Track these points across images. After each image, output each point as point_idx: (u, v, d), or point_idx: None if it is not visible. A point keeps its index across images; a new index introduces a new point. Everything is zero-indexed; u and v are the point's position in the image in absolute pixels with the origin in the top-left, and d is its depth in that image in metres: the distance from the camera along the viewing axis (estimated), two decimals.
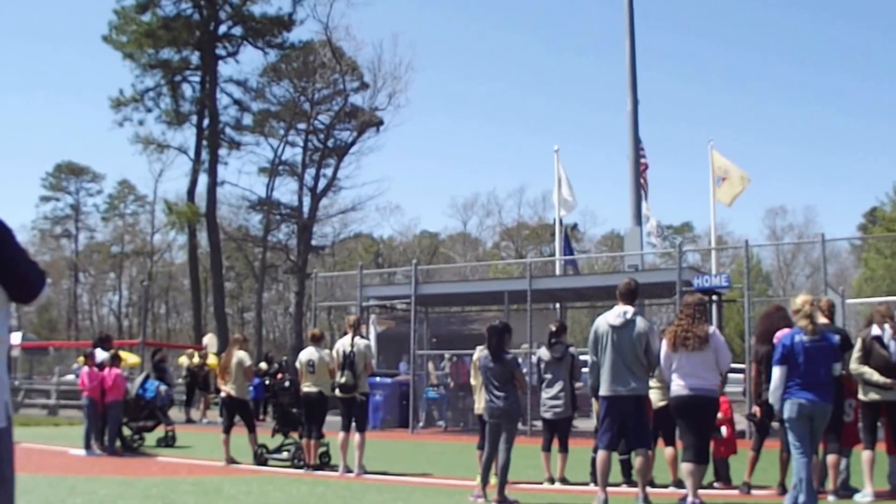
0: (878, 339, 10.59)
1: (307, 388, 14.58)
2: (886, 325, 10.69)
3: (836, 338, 10.44)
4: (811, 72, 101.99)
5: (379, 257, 70.98)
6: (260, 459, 15.60)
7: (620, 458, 11.86)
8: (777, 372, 9.34)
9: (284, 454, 15.55)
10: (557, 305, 26.81)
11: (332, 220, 57.38)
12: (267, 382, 23.91)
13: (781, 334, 9.75)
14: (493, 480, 11.03)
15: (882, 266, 48.46)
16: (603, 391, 10.22)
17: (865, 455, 10.61)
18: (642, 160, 28.11)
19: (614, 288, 23.39)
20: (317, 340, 14.98)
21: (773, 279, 68.42)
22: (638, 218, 26.33)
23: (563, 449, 12.78)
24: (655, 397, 11.46)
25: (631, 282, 10.76)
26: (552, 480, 12.72)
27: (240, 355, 15.75)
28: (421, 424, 24.17)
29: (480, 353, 11.79)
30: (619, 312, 10.33)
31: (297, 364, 15.05)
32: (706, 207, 30.46)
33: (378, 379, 24.75)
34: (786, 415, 9.34)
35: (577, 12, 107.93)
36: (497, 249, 74.83)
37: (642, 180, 28.02)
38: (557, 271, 30.34)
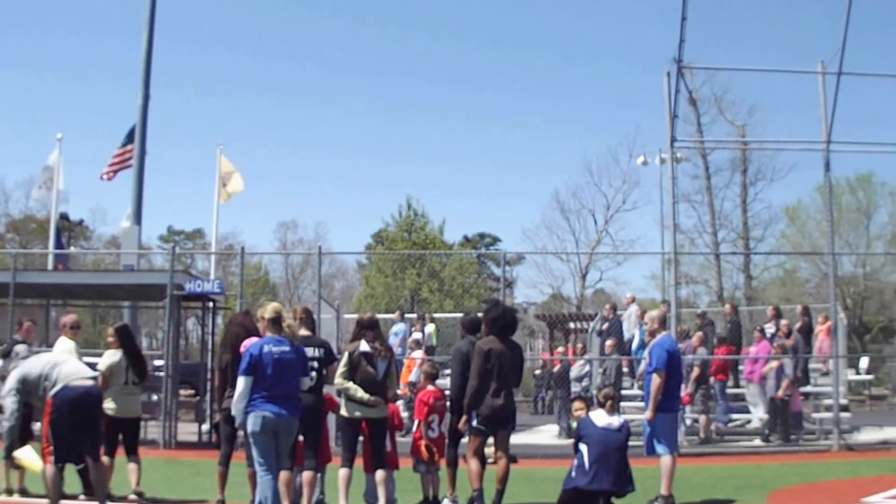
0: (367, 354, 10.38)
1: None
2: (373, 342, 10.49)
3: (317, 350, 10.17)
4: (325, 90, 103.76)
5: None
6: None
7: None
8: (242, 382, 8.89)
9: None
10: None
11: None
12: None
13: (249, 342, 9.25)
14: None
15: (382, 284, 50.20)
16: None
17: (342, 472, 10.38)
18: (120, 163, 27.20)
19: (108, 287, 22.41)
20: None
21: (282, 291, 69.04)
22: (138, 216, 25.19)
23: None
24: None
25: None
26: (10, 492, 11.54)
27: None
28: None
29: None
30: None
31: None
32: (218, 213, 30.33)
33: None
34: (249, 428, 8.93)
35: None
36: (3, 241, 69.95)
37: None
38: (51, 266, 28.51)
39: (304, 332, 10.19)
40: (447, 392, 11.79)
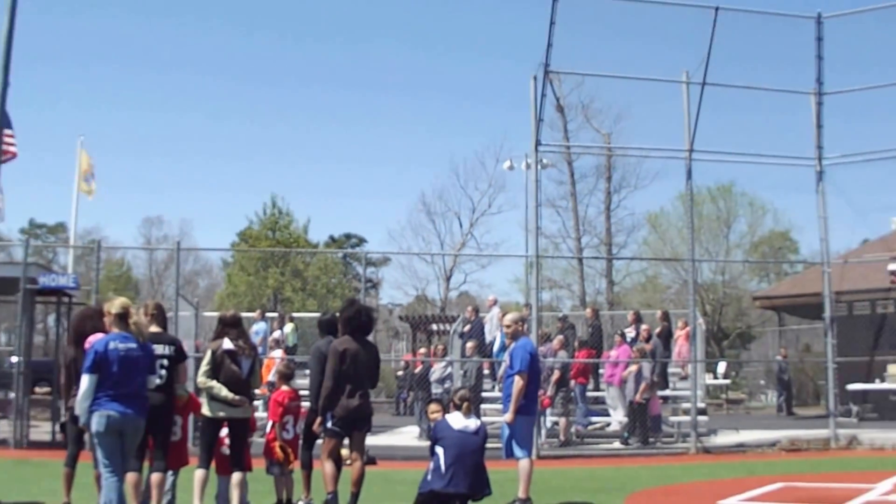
0: (231, 353, 10.09)
1: None
2: (237, 340, 10.22)
3: (167, 348, 9.80)
4: (191, 84, 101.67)
5: None
6: None
7: None
8: (86, 380, 8.46)
9: None
10: None
11: None
12: None
13: (94, 339, 8.86)
14: None
15: (245, 283, 49.75)
16: None
17: (199, 474, 10.05)
18: (12, 148, 26.18)
19: None
20: None
21: (145, 288, 67.82)
22: None
23: None
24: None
25: None
26: None
27: None
28: None
29: None
30: None
31: None
32: (80, 207, 29.63)
33: None
34: (94, 428, 8.51)
35: None
36: None
37: None
38: None
39: (154, 328, 9.80)
40: (302, 392, 11.57)
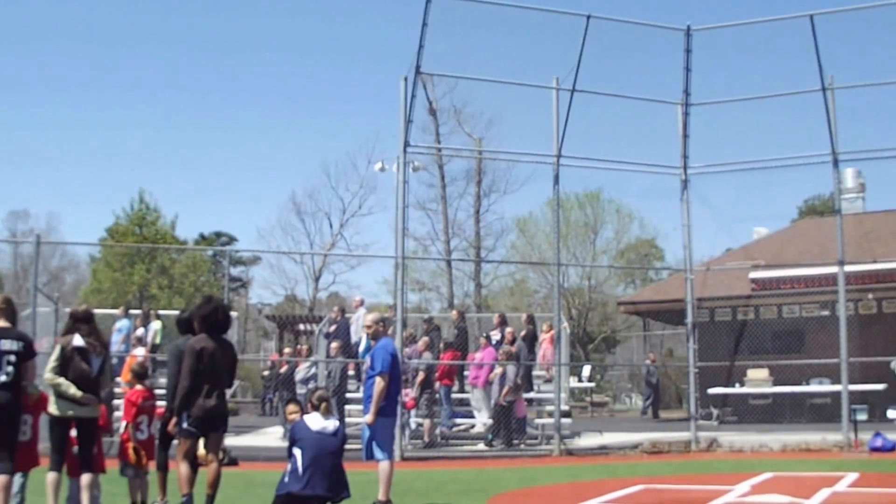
0: (81, 349, 9.66)
1: None
2: (88, 337, 9.82)
3: (15, 343, 9.37)
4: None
5: None
6: None
7: None
8: None
9: None
10: None
11: None
12: None
13: None
14: None
15: (110, 279, 48.80)
16: None
17: (51, 477, 9.62)
18: None
19: None
20: None
21: (9, 283, 66.06)
22: None
23: None
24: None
25: None
26: None
27: None
28: None
29: None
30: None
31: None
32: None
33: None
34: None
35: None
36: None
37: None
38: None
39: (1, 323, 9.38)
40: (160, 391, 11.27)
